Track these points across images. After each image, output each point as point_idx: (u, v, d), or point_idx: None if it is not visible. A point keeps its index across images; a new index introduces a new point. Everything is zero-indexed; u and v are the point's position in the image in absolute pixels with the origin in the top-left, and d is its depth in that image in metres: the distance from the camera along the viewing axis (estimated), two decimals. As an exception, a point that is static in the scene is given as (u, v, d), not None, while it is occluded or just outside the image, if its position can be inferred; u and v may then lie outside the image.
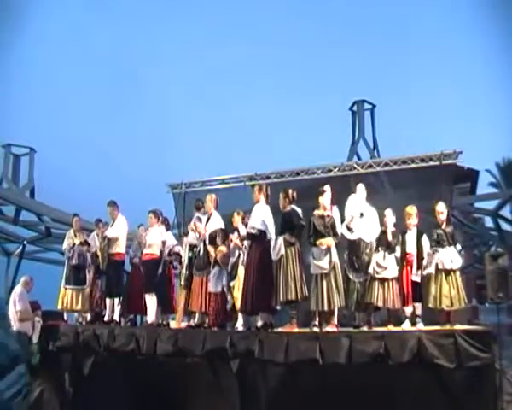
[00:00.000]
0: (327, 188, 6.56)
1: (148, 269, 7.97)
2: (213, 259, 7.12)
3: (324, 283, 6.18)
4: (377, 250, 6.61)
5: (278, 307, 6.48)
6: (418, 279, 6.67)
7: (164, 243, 7.91)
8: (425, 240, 6.74)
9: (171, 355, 6.63)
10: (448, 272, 6.38)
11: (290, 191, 6.58)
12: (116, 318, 8.38)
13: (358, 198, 6.82)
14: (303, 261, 6.41)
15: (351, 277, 6.58)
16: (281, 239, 6.37)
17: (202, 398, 6.34)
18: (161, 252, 7.89)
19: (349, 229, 6.64)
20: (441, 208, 6.67)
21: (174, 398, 6.52)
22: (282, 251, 6.30)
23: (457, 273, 6.40)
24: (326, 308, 6.16)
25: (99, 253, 8.38)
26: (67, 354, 7.68)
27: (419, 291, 6.66)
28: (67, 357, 7.65)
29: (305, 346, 5.73)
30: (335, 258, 6.30)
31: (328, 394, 5.43)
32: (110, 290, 8.34)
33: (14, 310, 7.39)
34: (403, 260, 6.75)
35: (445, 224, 6.62)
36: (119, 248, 8.30)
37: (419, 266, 6.69)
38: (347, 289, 6.46)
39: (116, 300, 8.37)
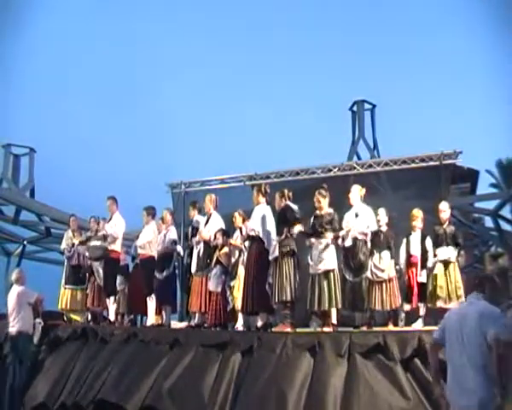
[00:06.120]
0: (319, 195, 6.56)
1: (144, 269, 7.97)
2: (215, 259, 7.13)
3: (321, 283, 6.20)
4: (372, 253, 6.62)
5: (275, 307, 6.51)
6: (424, 280, 6.72)
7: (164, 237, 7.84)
8: (428, 242, 6.79)
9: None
10: (446, 266, 6.42)
11: (286, 191, 6.61)
12: (111, 317, 8.41)
13: (353, 198, 6.82)
14: (300, 261, 6.42)
15: (347, 277, 6.59)
16: (276, 240, 6.39)
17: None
18: (167, 248, 7.73)
19: (343, 239, 6.63)
20: (443, 207, 6.71)
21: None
22: (277, 253, 6.32)
23: (456, 270, 6.43)
24: (320, 308, 6.20)
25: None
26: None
27: (424, 292, 6.69)
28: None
29: (304, 340, 5.76)
30: (334, 259, 6.31)
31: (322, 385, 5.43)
32: (105, 289, 8.38)
33: (16, 310, 7.36)
34: (407, 262, 6.79)
35: (446, 223, 6.65)
36: (115, 246, 8.33)
37: (423, 267, 6.75)
38: (344, 289, 6.48)
39: (111, 298, 8.40)
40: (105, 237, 8.32)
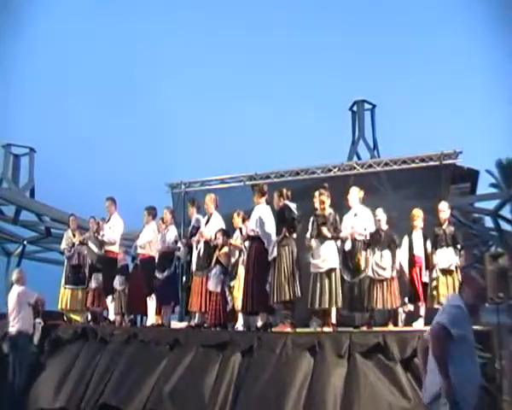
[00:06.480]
0: (316, 194, 6.61)
1: (144, 269, 7.97)
2: (215, 259, 7.13)
3: (323, 282, 6.21)
4: (373, 252, 6.62)
5: (275, 307, 6.52)
6: (428, 280, 6.72)
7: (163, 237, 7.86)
8: (428, 246, 6.80)
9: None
10: (445, 273, 6.40)
11: (284, 190, 6.61)
12: (111, 317, 8.41)
13: (352, 200, 6.82)
14: (300, 261, 6.42)
15: (345, 277, 6.59)
16: (275, 240, 6.39)
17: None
18: (167, 247, 7.76)
19: (343, 241, 6.64)
20: (443, 207, 6.71)
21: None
22: (275, 253, 6.33)
23: (455, 274, 6.42)
24: (320, 307, 6.21)
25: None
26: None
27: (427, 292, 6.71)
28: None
29: (304, 340, 5.77)
30: (336, 258, 6.32)
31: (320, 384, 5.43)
32: (103, 289, 8.38)
33: (16, 310, 7.37)
34: (411, 262, 6.79)
35: (446, 223, 6.65)
36: (113, 246, 8.34)
37: (427, 267, 6.75)
38: (342, 289, 6.49)
39: (110, 298, 8.41)
40: (101, 244, 8.34)
